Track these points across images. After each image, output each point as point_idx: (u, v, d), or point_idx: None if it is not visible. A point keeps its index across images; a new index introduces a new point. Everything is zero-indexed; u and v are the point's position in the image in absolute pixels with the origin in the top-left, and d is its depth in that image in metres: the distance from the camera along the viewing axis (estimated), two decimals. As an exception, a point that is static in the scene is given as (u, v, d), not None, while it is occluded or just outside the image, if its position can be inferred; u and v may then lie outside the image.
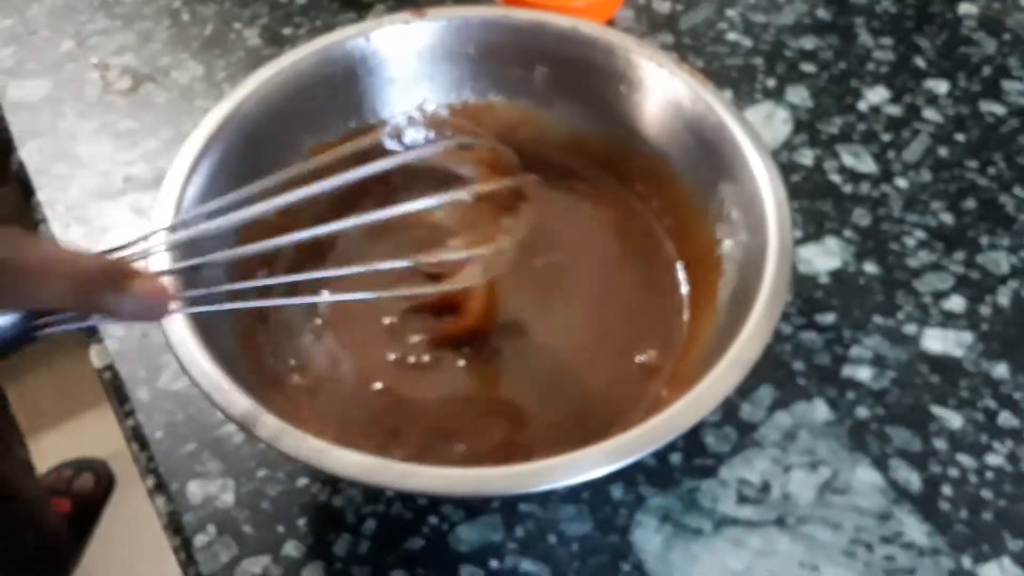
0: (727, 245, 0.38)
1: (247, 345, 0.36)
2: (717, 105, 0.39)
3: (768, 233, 0.35)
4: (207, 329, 0.32)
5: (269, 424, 0.29)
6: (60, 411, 1.18)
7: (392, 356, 0.38)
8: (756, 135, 0.38)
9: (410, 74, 0.43)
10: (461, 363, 0.38)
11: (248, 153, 0.39)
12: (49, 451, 1.12)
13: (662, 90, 0.41)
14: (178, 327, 0.32)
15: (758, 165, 0.37)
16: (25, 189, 0.48)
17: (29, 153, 0.49)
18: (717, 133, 0.39)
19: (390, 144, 0.44)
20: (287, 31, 0.54)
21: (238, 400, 0.30)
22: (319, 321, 0.39)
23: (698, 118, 0.40)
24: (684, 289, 0.41)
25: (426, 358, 0.37)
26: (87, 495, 1.07)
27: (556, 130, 0.45)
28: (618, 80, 0.42)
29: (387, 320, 0.39)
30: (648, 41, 0.42)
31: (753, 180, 0.37)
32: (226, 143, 0.38)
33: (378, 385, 0.37)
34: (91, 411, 1.17)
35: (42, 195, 0.47)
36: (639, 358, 0.38)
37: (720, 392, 0.31)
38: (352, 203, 0.37)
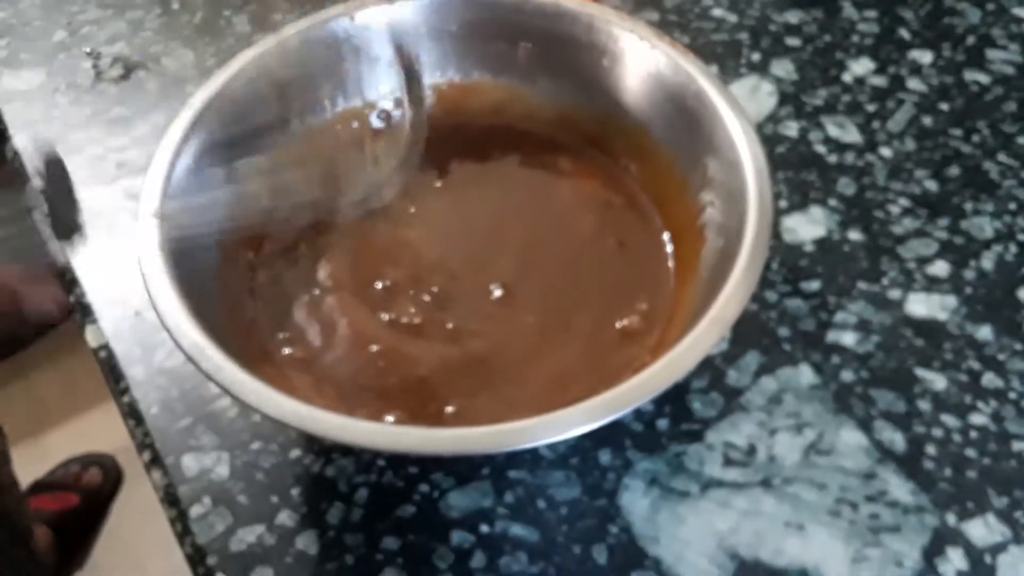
0: (709, 213, 0.39)
1: (236, 320, 0.37)
2: (697, 74, 0.39)
3: (748, 198, 0.35)
4: (199, 305, 0.33)
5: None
6: (66, 407, 1.19)
7: (386, 317, 0.38)
8: (735, 102, 0.38)
9: (394, 53, 0.44)
10: (450, 325, 0.38)
11: (235, 134, 0.39)
12: (56, 447, 1.13)
13: (643, 62, 0.41)
14: (168, 301, 0.32)
15: (738, 132, 0.37)
16: (20, 177, 0.48)
17: (23, 141, 0.50)
18: (698, 102, 0.39)
19: (377, 124, 0.45)
20: (276, 17, 0.55)
21: (223, 364, 0.31)
22: (311, 293, 0.39)
23: (679, 88, 0.40)
24: (670, 259, 0.41)
25: (417, 320, 0.38)
26: (95, 490, 1.08)
27: (542, 107, 0.45)
28: (600, 54, 0.42)
29: (380, 285, 0.39)
30: (632, 17, 0.42)
31: (733, 147, 0.37)
32: (213, 124, 0.39)
33: (372, 348, 0.37)
34: (97, 407, 1.18)
35: (36, 183, 0.48)
36: (621, 324, 0.38)
37: (699, 351, 0.31)
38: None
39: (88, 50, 0.54)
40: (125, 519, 1.10)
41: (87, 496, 1.07)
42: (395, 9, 0.43)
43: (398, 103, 0.44)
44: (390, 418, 0.36)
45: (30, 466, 1.01)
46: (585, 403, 0.30)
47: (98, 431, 1.14)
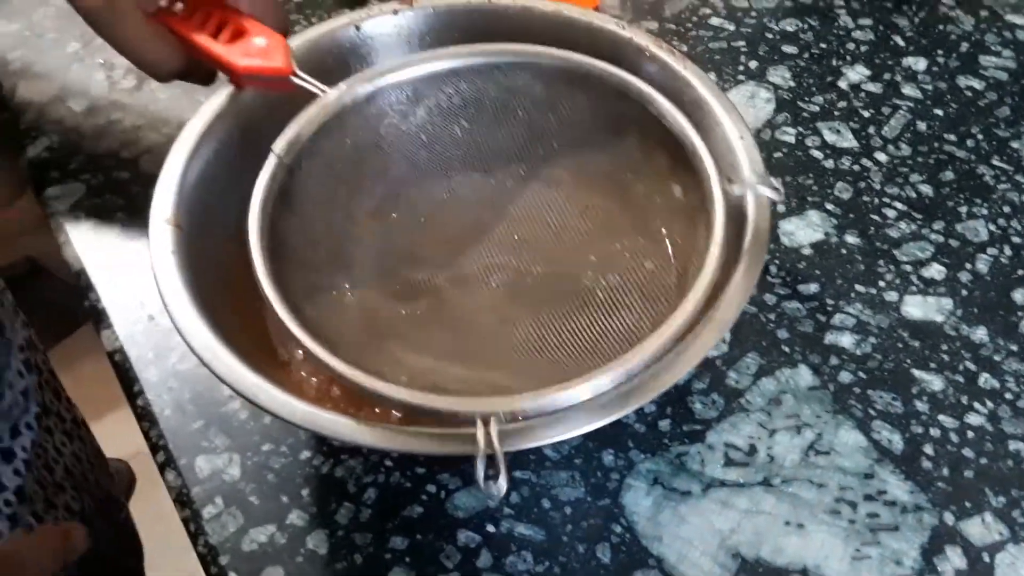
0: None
1: (248, 323, 0.38)
2: (695, 82, 0.40)
3: (746, 200, 0.36)
4: (211, 309, 0.34)
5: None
6: (83, 413, 1.20)
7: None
8: (734, 109, 0.39)
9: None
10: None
11: (244, 141, 0.40)
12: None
13: (643, 69, 0.42)
14: (181, 306, 0.33)
15: (735, 137, 0.38)
16: (36, 185, 0.49)
17: (38, 151, 0.51)
18: (696, 108, 0.40)
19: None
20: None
21: (235, 368, 0.31)
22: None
23: (677, 95, 0.41)
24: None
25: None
26: None
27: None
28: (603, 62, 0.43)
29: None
30: (632, 26, 0.43)
31: (732, 151, 0.38)
32: (223, 131, 0.40)
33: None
34: (111, 413, 1.19)
35: (52, 190, 0.49)
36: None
37: (698, 354, 0.32)
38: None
39: (101, 61, 0.55)
40: (139, 523, 1.11)
41: None
42: (401, 18, 0.44)
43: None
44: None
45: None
46: (585, 404, 0.31)
47: (112, 437, 1.15)
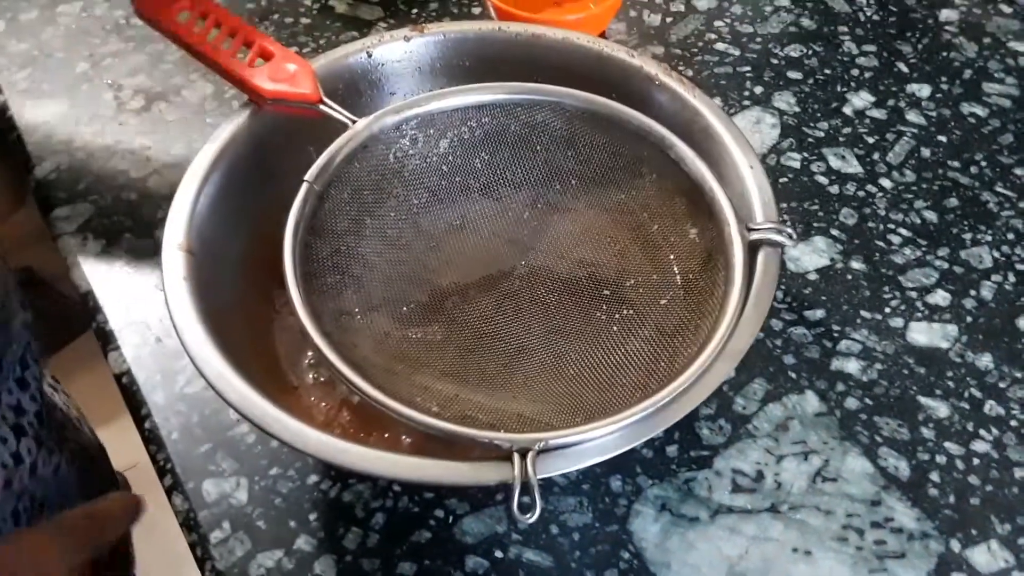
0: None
1: (260, 348, 0.38)
2: (704, 109, 0.41)
3: (760, 243, 0.36)
4: (220, 331, 0.34)
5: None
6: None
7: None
8: (742, 137, 0.40)
9: (410, 87, 0.45)
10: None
11: (256, 164, 0.40)
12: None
13: (653, 97, 0.42)
14: (194, 333, 0.33)
15: (744, 166, 0.39)
16: (43, 206, 0.49)
17: (45, 171, 0.51)
18: (705, 137, 0.40)
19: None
20: (292, 50, 0.56)
21: (250, 396, 0.31)
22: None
23: (687, 123, 0.41)
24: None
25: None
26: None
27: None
28: (611, 89, 0.43)
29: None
30: (639, 52, 0.43)
31: (742, 180, 0.39)
32: (235, 155, 0.40)
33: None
34: (108, 426, 1.18)
35: (60, 211, 0.49)
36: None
37: (711, 385, 0.32)
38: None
39: (110, 81, 0.55)
40: (134, 535, 1.11)
41: None
42: (412, 45, 0.44)
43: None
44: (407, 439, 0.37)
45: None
46: (597, 434, 0.31)
47: (108, 450, 1.15)
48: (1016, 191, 0.50)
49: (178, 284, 0.35)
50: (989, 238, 0.48)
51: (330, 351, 0.32)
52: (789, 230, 0.36)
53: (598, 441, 0.31)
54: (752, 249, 0.36)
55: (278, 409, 0.31)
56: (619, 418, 0.31)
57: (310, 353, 0.40)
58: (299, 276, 0.34)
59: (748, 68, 0.56)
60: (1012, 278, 0.46)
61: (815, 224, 0.48)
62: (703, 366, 0.32)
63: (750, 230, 0.36)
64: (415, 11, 0.60)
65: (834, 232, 0.48)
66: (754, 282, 0.35)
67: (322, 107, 0.39)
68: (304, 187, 0.36)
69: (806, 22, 0.59)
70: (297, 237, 0.35)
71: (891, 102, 0.54)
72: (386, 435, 0.38)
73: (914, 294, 0.45)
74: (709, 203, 0.37)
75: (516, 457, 0.30)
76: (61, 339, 1.27)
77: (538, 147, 0.41)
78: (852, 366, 0.43)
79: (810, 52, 0.57)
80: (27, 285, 1.20)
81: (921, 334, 0.44)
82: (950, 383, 0.42)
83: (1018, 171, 0.51)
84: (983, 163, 0.51)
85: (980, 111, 0.54)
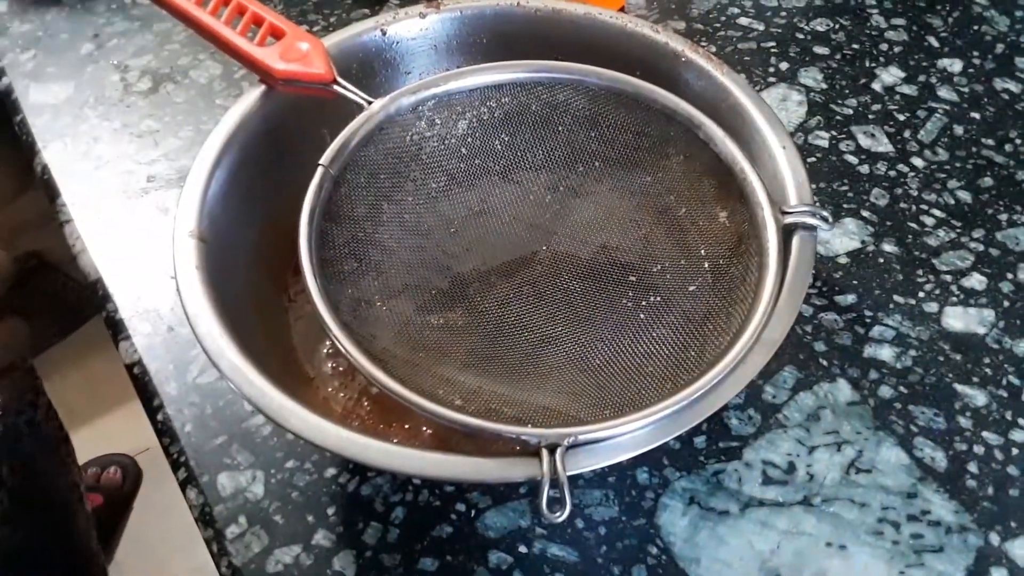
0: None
1: (275, 337, 0.37)
2: (734, 88, 0.39)
3: (795, 227, 0.35)
4: (234, 321, 0.33)
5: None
6: (90, 410, 1.20)
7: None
8: (773, 115, 0.38)
9: (426, 66, 0.43)
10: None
11: (268, 147, 0.39)
12: (80, 449, 1.14)
13: (679, 74, 0.41)
14: (206, 323, 0.32)
15: (776, 146, 0.37)
16: (50, 191, 0.48)
17: (52, 155, 0.50)
18: (735, 115, 0.39)
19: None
20: (303, 28, 0.55)
21: (267, 389, 0.30)
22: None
23: (715, 102, 0.40)
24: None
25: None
26: (116, 489, 1.09)
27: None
28: (634, 66, 0.42)
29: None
30: (661, 28, 0.42)
31: (773, 160, 0.37)
32: (246, 138, 0.38)
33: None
34: (120, 408, 1.19)
35: (66, 196, 0.48)
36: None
37: (746, 376, 0.31)
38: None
39: (116, 63, 0.54)
40: (146, 517, 1.11)
41: (109, 496, 1.08)
42: (427, 22, 0.42)
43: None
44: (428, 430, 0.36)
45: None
46: (627, 428, 0.30)
47: (119, 432, 1.15)
48: (1053, 170, 0.48)
49: (190, 273, 0.34)
50: (1026, 219, 0.46)
51: (348, 342, 0.31)
52: (824, 213, 0.35)
53: (628, 436, 0.30)
54: (786, 233, 0.35)
55: (295, 402, 0.30)
56: (650, 412, 0.30)
57: (328, 342, 0.39)
58: (315, 263, 0.33)
59: (773, 43, 0.54)
60: (1050, 261, 0.45)
61: (845, 206, 0.47)
62: (737, 358, 0.31)
63: (784, 213, 0.35)
64: (428, -13, 0.58)
65: (865, 214, 0.46)
66: (788, 268, 0.34)
67: (336, 87, 0.37)
68: (319, 171, 0.35)
69: (832, -5, 0.57)
70: (313, 223, 0.34)
71: (922, 78, 0.53)
72: (407, 426, 0.37)
73: (949, 278, 0.44)
74: (740, 185, 0.36)
75: (545, 453, 0.28)
76: (71, 323, 1.27)
77: (560, 128, 0.40)
78: (885, 353, 0.41)
79: (837, 26, 0.55)
80: (36, 270, 1.20)
81: (957, 319, 0.43)
82: (987, 370, 0.41)
83: (1055, 149, 0.49)
84: (1018, 141, 0.49)
85: (1014, 87, 0.52)
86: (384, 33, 0.42)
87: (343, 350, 0.30)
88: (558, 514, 0.28)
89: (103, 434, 1.17)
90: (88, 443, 1.14)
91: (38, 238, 1.24)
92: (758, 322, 0.31)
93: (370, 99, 0.37)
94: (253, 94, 0.39)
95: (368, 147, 0.37)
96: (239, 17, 0.38)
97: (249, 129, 0.39)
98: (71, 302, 1.20)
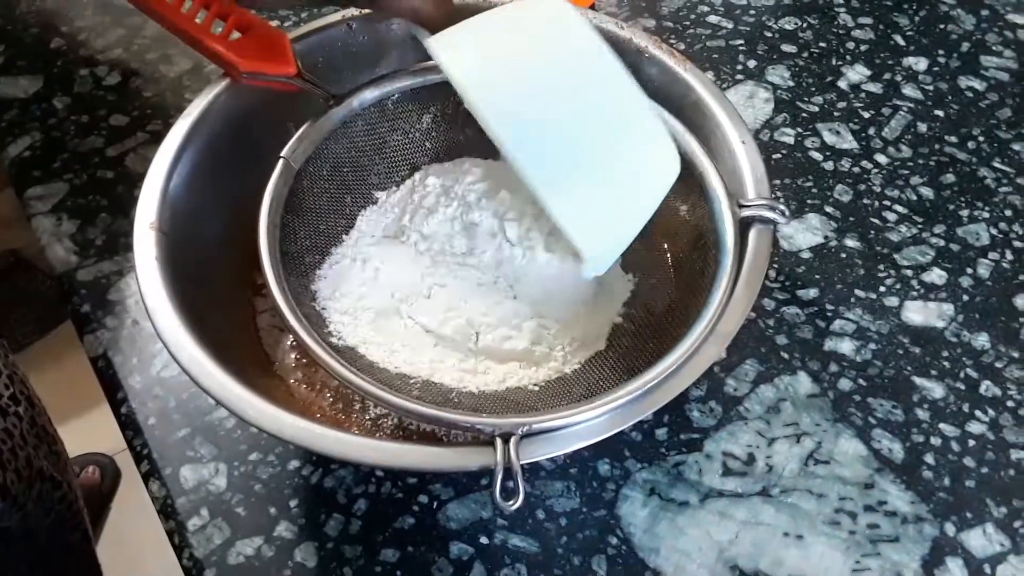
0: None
1: (238, 328, 0.37)
2: (696, 83, 0.39)
3: (752, 220, 0.35)
4: (197, 314, 0.33)
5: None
6: (68, 408, 1.19)
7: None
8: (735, 111, 0.38)
9: (392, 61, 0.43)
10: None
11: (234, 141, 0.39)
12: (58, 447, 1.13)
13: (642, 70, 0.41)
14: (166, 316, 0.32)
15: (736, 142, 0.37)
16: (18, 185, 0.48)
17: (20, 149, 0.49)
18: (696, 111, 0.39)
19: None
20: (274, 24, 0.55)
21: (225, 381, 0.30)
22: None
23: (677, 97, 0.40)
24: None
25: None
26: (95, 488, 1.09)
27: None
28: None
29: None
30: (630, 25, 0.42)
31: (733, 155, 0.37)
32: (211, 131, 0.38)
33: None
34: (99, 407, 1.18)
35: (33, 190, 0.47)
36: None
37: (699, 367, 0.31)
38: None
39: (86, 57, 0.54)
40: (123, 517, 1.10)
41: (88, 495, 1.07)
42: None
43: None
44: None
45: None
46: (583, 417, 0.30)
47: (98, 431, 1.14)
48: (1014, 167, 0.49)
49: (150, 264, 0.34)
50: (986, 215, 0.47)
51: (306, 334, 0.31)
52: (782, 207, 0.35)
53: (584, 425, 0.30)
54: (743, 227, 0.35)
55: (254, 394, 0.30)
56: (605, 401, 0.30)
57: (291, 335, 0.39)
58: (275, 256, 0.33)
59: (741, 41, 0.55)
60: (1009, 256, 0.45)
61: (809, 201, 0.47)
62: (691, 348, 0.31)
63: (741, 207, 0.35)
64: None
65: (828, 209, 0.47)
66: (745, 261, 0.34)
67: (300, 81, 0.38)
68: (280, 163, 0.35)
69: (801, -6, 0.58)
70: (273, 215, 0.34)
71: (887, 76, 0.53)
72: (368, 417, 0.37)
73: (909, 272, 0.44)
74: (699, 179, 0.36)
75: (499, 442, 0.29)
76: (49, 322, 1.26)
77: None
78: (846, 346, 0.42)
79: (805, 25, 0.56)
80: (13, 268, 1.19)
81: (916, 313, 0.43)
82: (945, 363, 0.41)
83: (1016, 146, 0.50)
84: (981, 138, 0.50)
85: (978, 85, 0.53)
86: (350, 27, 0.42)
87: (300, 339, 0.31)
88: (512, 503, 0.28)
89: (82, 433, 1.16)
90: (67, 442, 1.14)
91: (16, 236, 1.23)
92: (712, 314, 0.32)
93: (334, 92, 0.37)
94: (217, 87, 0.39)
95: (331, 140, 0.37)
96: (205, 10, 0.38)
97: (214, 122, 0.39)
98: (49, 300, 1.19)
